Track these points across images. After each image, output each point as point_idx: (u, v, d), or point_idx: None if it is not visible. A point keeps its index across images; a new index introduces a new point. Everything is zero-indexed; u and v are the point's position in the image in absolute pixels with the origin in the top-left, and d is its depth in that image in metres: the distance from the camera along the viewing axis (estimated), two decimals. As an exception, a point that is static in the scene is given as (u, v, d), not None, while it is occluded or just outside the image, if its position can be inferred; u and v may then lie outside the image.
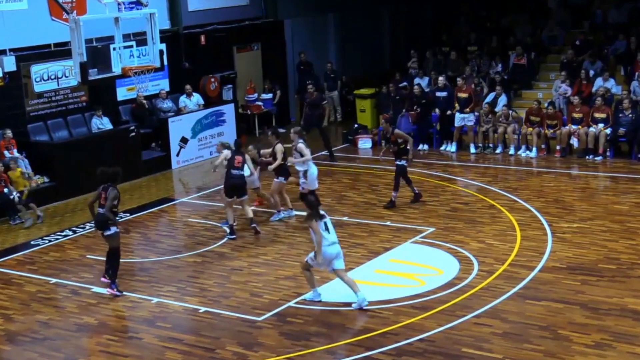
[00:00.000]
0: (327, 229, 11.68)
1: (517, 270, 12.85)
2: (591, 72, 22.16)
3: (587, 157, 19.62)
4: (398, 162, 16.47)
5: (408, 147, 16.57)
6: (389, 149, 16.83)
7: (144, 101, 21.08)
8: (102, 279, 12.83)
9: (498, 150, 20.79)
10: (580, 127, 19.80)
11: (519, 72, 23.65)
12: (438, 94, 21.72)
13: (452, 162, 20.40)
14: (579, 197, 16.81)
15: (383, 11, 28.90)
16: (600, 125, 19.58)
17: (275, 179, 16.01)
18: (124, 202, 17.86)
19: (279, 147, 15.84)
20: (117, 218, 13.06)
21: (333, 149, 21.27)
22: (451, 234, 14.78)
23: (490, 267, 13.01)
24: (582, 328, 10.78)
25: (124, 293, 12.72)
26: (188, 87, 21.71)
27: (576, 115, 20.06)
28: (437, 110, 21.56)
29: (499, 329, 10.87)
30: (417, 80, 23.86)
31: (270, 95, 24.77)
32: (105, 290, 12.72)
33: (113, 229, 12.55)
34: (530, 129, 20.33)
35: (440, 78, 21.98)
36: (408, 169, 16.74)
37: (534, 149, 20.27)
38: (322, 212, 11.82)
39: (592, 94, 21.19)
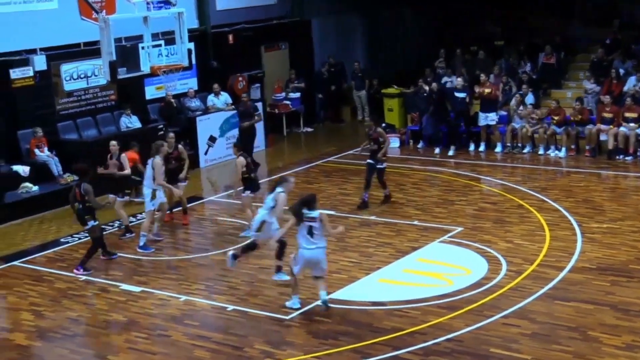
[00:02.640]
0: (310, 233, 11.36)
1: (546, 270, 12.77)
2: (621, 71, 21.97)
3: (617, 157, 19.45)
4: (379, 166, 16.39)
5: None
6: (368, 145, 16.61)
7: (172, 100, 21.17)
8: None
9: (527, 150, 20.65)
10: (611, 127, 19.63)
11: (548, 71, 23.52)
12: (457, 94, 21.58)
13: (481, 162, 20.30)
14: (608, 197, 16.67)
15: (410, 10, 28.81)
16: (632, 125, 19.38)
17: (242, 194, 15.27)
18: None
19: (240, 161, 14.96)
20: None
21: (360, 148, 21.25)
22: (479, 233, 14.72)
23: (518, 267, 12.94)
24: (612, 329, 10.69)
25: (154, 290, 12.82)
26: (216, 86, 21.76)
27: (606, 115, 19.90)
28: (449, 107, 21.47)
29: (527, 330, 10.81)
30: (445, 79, 23.82)
31: (298, 95, 24.77)
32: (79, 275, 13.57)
33: (90, 223, 13.57)
34: (552, 128, 20.18)
35: (459, 79, 21.86)
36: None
37: (563, 149, 20.13)
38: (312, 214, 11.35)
39: (622, 94, 21.01)
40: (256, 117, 20.24)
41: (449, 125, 21.43)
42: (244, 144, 19.40)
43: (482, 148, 21.08)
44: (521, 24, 26.34)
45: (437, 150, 21.20)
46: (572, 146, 20.21)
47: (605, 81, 21.82)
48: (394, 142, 22.09)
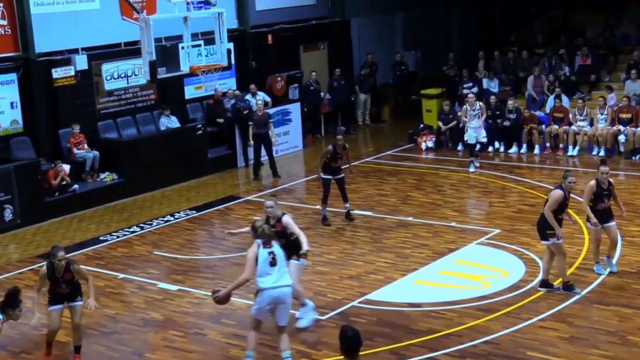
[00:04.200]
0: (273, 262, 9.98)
1: (584, 273, 12.62)
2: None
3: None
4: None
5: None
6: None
7: (222, 98, 21.17)
8: None
9: (568, 152, 20.45)
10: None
11: (584, 72, 23.24)
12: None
13: (519, 163, 20.16)
14: (650, 200, 16.47)
15: (451, 11, 28.72)
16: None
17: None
18: (190, 199, 18.18)
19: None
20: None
21: (398, 148, 21.20)
22: (517, 235, 14.61)
23: (556, 270, 12.73)
24: (652, 334, 10.57)
25: (190, 289, 12.90)
26: (253, 86, 21.68)
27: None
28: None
29: (565, 333, 10.70)
30: (485, 82, 23.73)
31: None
32: None
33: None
34: (619, 127, 19.94)
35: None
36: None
37: (602, 149, 19.97)
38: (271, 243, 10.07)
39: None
40: (270, 126, 19.78)
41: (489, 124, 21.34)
42: (255, 149, 19.64)
43: (523, 150, 20.92)
44: (564, 25, 26.10)
45: (477, 147, 21.14)
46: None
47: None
48: (430, 143, 22.03)
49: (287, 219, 11.33)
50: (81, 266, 10.88)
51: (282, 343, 10.09)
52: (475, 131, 19.44)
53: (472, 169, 19.37)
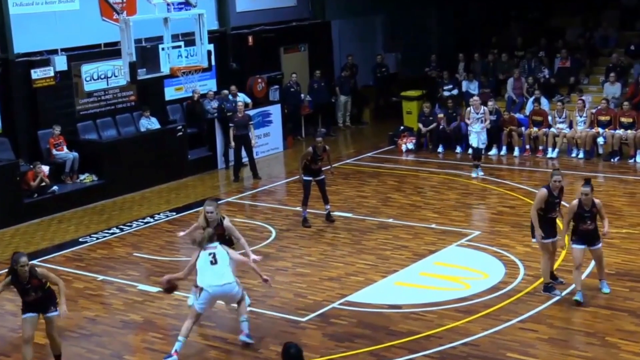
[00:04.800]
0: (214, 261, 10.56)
1: (563, 275, 12.67)
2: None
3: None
4: None
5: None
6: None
7: (199, 99, 21.10)
8: None
9: (547, 154, 20.55)
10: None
11: (563, 75, 23.37)
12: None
13: (499, 165, 20.24)
14: (628, 202, 16.56)
15: (431, 13, 28.79)
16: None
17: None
18: (170, 200, 18.14)
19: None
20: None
21: (378, 150, 21.22)
22: (497, 237, 14.67)
23: (536, 271, 12.84)
24: (630, 335, 10.61)
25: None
26: (233, 87, 21.65)
27: (625, 119, 19.86)
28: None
29: (544, 335, 10.76)
30: (465, 84, 23.81)
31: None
32: None
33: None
34: (598, 129, 20.04)
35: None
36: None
37: (581, 151, 20.09)
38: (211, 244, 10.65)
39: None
40: (250, 127, 19.77)
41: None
42: (235, 150, 19.62)
43: (503, 152, 20.99)
44: (543, 27, 26.23)
45: (458, 149, 21.19)
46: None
47: (626, 85, 21.78)
48: (411, 145, 22.06)
49: (227, 224, 11.75)
50: (50, 272, 10.51)
51: (240, 308, 10.87)
52: (477, 135, 18.99)
53: (474, 175, 18.95)
